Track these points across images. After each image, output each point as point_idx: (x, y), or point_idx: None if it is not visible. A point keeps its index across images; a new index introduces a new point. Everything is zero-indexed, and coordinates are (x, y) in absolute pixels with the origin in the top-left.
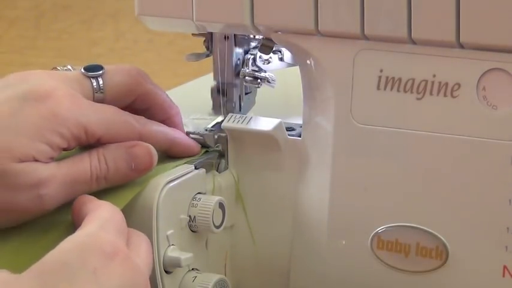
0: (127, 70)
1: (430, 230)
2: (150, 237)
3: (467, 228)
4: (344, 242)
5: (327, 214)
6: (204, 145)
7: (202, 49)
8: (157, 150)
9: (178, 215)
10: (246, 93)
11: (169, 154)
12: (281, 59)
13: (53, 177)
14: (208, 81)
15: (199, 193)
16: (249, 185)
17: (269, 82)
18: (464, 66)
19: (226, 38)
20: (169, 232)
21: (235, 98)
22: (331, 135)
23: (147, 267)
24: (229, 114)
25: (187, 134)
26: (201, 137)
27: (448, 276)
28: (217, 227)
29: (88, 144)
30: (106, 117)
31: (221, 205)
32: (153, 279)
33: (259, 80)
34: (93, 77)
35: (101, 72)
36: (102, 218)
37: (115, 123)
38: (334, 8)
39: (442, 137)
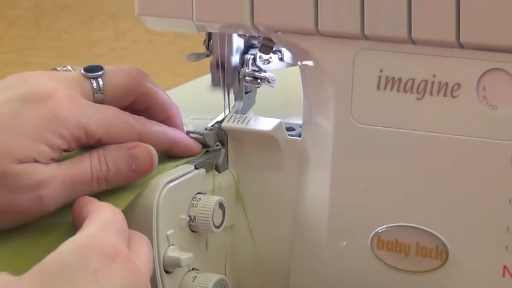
0: (127, 70)
1: (430, 230)
2: (150, 237)
3: (467, 228)
4: (344, 242)
5: (327, 214)
6: (204, 144)
7: (202, 49)
8: (157, 150)
9: (178, 215)
10: (246, 93)
11: (169, 154)
12: (281, 59)
13: (53, 178)
14: (208, 81)
15: (199, 193)
16: (249, 185)
17: (269, 82)
18: (464, 66)
19: (226, 37)
20: (169, 232)
21: (236, 97)
22: (331, 135)
23: (148, 269)
24: (229, 114)
25: (187, 133)
26: (201, 137)
27: (448, 276)
28: (217, 227)
29: (88, 145)
30: (106, 118)
31: (221, 205)
32: (153, 279)
33: (259, 80)
34: (93, 78)
35: (100, 72)
36: (103, 219)
37: (115, 123)
38: (334, 8)
39: (442, 137)
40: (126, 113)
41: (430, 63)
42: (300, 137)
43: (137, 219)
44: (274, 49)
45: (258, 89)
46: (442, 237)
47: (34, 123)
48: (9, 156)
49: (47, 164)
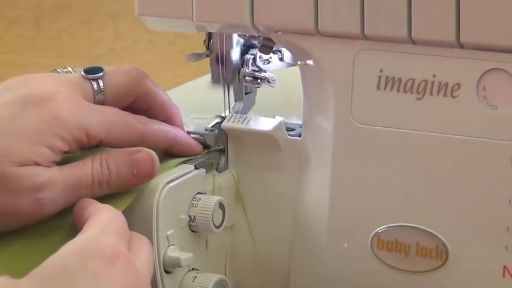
0: (127, 71)
1: (430, 230)
2: (150, 237)
3: (467, 228)
4: (344, 242)
5: (327, 214)
6: (204, 145)
7: (202, 49)
8: (158, 150)
9: (178, 215)
10: (246, 93)
11: (170, 153)
12: (281, 59)
13: (54, 181)
14: (208, 81)
15: (199, 193)
16: (249, 185)
17: (269, 82)
18: (464, 66)
19: (225, 37)
20: (169, 232)
21: (236, 98)
22: (331, 135)
23: (148, 271)
24: (229, 114)
25: (188, 133)
26: (201, 137)
27: (448, 276)
28: (217, 227)
29: (90, 146)
30: (107, 119)
31: (221, 205)
32: (153, 279)
33: (259, 80)
34: (93, 79)
35: (101, 74)
36: (103, 221)
37: (116, 124)
38: (334, 8)
39: (442, 137)
40: (127, 113)
41: (430, 63)
42: (300, 137)
43: (137, 219)
44: (274, 49)
45: (258, 89)
46: (442, 237)
47: (34, 126)
48: (9, 158)
49: (48, 166)
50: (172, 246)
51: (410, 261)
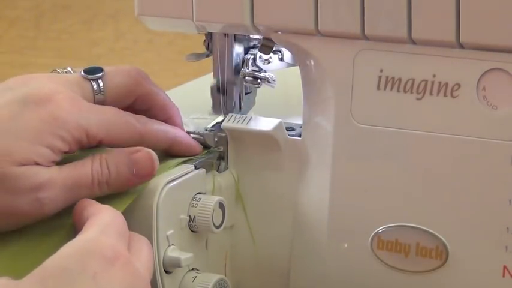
0: (127, 71)
1: (430, 230)
2: (150, 237)
3: (467, 228)
4: (344, 242)
5: (327, 214)
6: (204, 145)
7: (202, 49)
8: (158, 150)
9: (178, 215)
10: (246, 93)
11: (170, 153)
12: (281, 59)
13: (54, 180)
14: (208, 81)
15: (199, 193)
16: (249, 185)
17: (269, 82)
18: (464, 66)
19: (226, 36)
20: (169, 232)
21: (235, 98)
22: (331, 135)
23: (148, 272)
24: (229, 114)
25: (188, 133)
26: (201, 137)
27: (448, 276)
28: (217, 227)
29: (89, 146)
30: (107, 119)
31: (221, 205)
32: (153, 279)
33: (259, 80)
34: (93, 79)
35: (100, 74)
36: (103, 222)
37: (116, 124)
38: (334, 8)
39: (442, 137)
40: (127, 113)
41: (430, 63)
42: (300, 137)
43: (137, 220)
44: (274, 49)
45: (258, 89)
46: (442, 237)
47: (34, 126)
48: (9, 158)
49: (48, 166)
50: (172, 246)
51: (410, 261)
